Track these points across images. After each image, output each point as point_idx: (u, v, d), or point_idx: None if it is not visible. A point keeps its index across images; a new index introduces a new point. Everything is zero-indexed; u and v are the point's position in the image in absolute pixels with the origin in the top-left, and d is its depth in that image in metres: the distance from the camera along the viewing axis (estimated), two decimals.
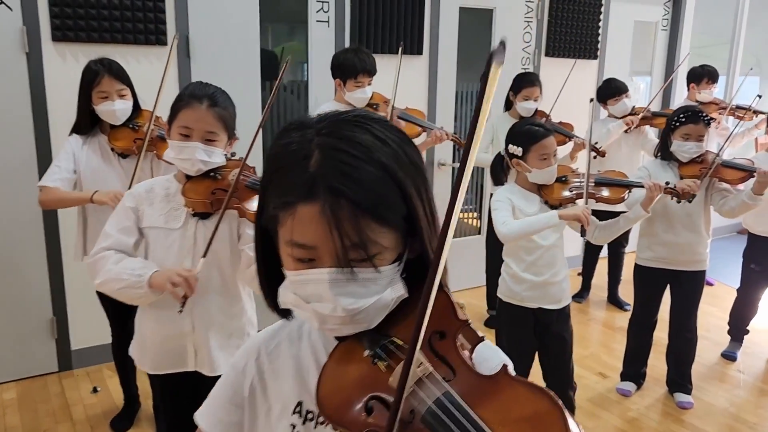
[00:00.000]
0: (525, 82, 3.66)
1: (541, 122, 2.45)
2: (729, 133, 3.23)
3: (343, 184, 0.69)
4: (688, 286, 3.05)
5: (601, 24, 4.81)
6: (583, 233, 2.33)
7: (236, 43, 3.43)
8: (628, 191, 2.44)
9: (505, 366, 0.68)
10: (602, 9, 4.77)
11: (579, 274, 4.64)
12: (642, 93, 5.55)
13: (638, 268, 3.12)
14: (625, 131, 4.02)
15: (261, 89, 3.58)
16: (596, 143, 3.68)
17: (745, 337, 3.72)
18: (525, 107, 3.66)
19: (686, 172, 2.92)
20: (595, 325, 4.18)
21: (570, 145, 3.69)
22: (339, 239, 0.70)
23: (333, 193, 0.69)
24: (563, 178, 2.45)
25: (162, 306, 1.76)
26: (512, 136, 2.43)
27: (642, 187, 2.48)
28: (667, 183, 2.50)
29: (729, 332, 3.74)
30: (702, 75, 4.57)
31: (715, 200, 2.93)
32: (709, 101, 4.60)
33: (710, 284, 4.88)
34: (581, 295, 4.57)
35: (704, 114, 2.88)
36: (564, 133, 3.66)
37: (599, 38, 4.82)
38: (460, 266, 4.50)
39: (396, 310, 0.77)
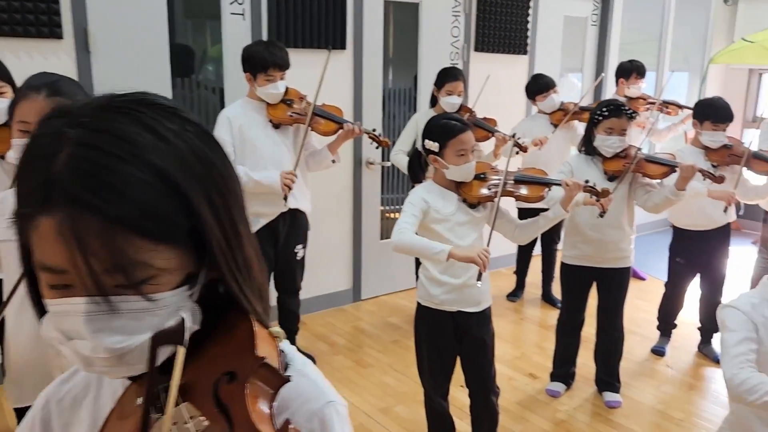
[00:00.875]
0: (448, 77, 3.56)
1: (458, 116, 2.33)
2: (649, 128, 3.19)
3: (88, 192, 0.54)
4: (614, 283, 3.01)
5: (530, 19, 4.76)
6: (479, 277, 2.19)
7: (143, 37, 3.21)
8: (547, 189, 2.35)
9: (287, 421, 0.54)
10: (531, 4, 4.73)
11: (515, 272, 4.59)
12: (578, 90, 5.55)
13: (564, 267, 3.05)
14: (555, 125, 3.98)
15: (172, 87, 3.37)
16: (519, 138, 3.60)
17: (674, 331, 3.72)
18: (449, 102, 3.56)
19: (610, 167, 2.87)
20: (528, 324, 4.12)
21: (495, 141, 3.60)
22: (84, 262, 0.54)
23: (74, 203, 0.54)
24: (482, 176, 2.34)
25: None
26: (428, 132, 2.31)
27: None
28: (587, 181, 2.43)
29: (658, 327, 3.74)
30: (630, 70, 4.57)
31: (638, 195, 2.89)
32: (637, 96, 4.61)
33: (642, 279, 4.91)
34: (515, 293, 4.52)
35: (627, 107, 2.83)
36: (486, 128, 3.57)
37: (528, 33, 4.77)
38: (393, 268, 4.38)
39: (194, 342, 0.62)
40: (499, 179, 2.33)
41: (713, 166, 3.33)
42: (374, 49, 4.03)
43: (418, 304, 2.40)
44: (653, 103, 4.55)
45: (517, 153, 3.60)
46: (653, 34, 5.98)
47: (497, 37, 4.59)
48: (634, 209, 2.95)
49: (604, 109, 2.82)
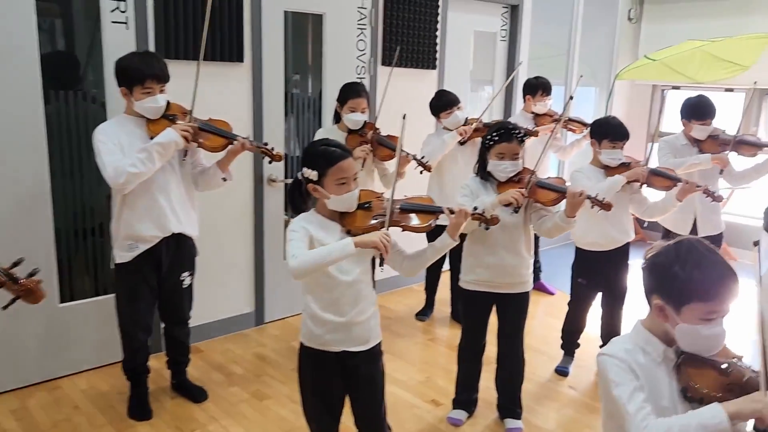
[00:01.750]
0: (350, 93, 3.43)
1: (338, 142, 2.19)
2: (542, 151, 3.14)
3: None
4: (513, 309, 2.95)
5: (438, 33, 4.70)
6: (381, 263, 2.09)
7: (4, 45, 2.90)
8: (435, 218, 2.25)
9: None
10: (439, 18, 4.67)
11: (425, 289, 4.51)
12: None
13: (462, 292, 2.97)
14: (460, 143, 3.91)
15: (45, 100, 3.07)
16: (422, 157, 3.52)
17: (577, 350, 3.73)
18: (351, 119, 3.43)
19: (504, 192, 2.80)
20: (437, 345, 4.04)
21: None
22: None
23: None
24: (366, 205, 2.21)
25: None
26: (306, 158, 2.15)
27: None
28: (475, 208, 2.34)
29: (562, 346, 3.73)
30: (536, 87, 4.59)
31: (533, 220, 2.84)
32: (543, 113, 4.64)
33: (551, 293, 4.94)
34: (424, 312, 4.44)
35: (518, 131, 2.78)
36: (390, 146, 3.47)
37: (437, 48, 4.71)
38: (299, 287, 4.20)
39: None
40: (385, 208, 2.20)
41: None
42: (274, 61, 3.85)
43: (301, 344, 2.24)
44: (558, 120, 4.58)
45: (421, 173, 3.51)
46: (562, 49, 6.07)
47: (405, 51, 4.50)
48: (531, 234, 2.90)
49: (495, 134, 2.76)
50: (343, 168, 2.10)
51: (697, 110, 3.78)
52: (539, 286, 5.00)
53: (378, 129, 3.53)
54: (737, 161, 3.91)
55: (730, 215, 6.01)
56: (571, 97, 3.70)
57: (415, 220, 2.22)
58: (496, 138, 2.77)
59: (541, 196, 2.77)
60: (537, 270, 5.03)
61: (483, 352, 3.07)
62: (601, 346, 3.63)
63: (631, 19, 6.54)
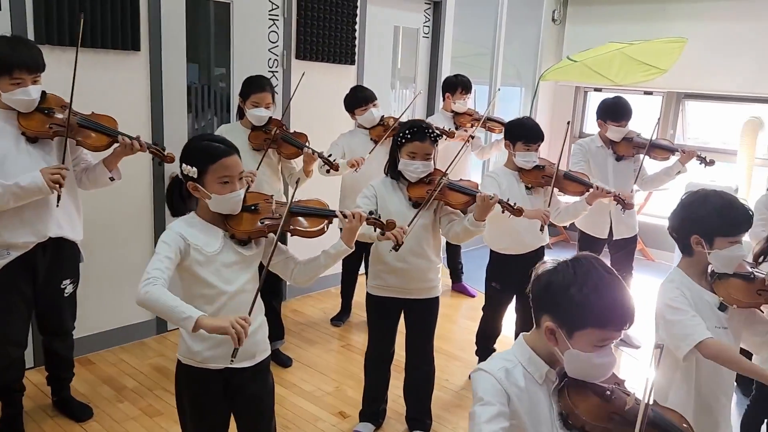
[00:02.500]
0: (253, 87, 3.22)
1: (222, 138, 1.99)
2: (457, 153, 3.03)
3: None
4: (422, 315, 2.82)
5: (357, 27, 4.53)
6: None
7: None
8: (327, 222, 2.07)
9: None
10: (358, 12, 4.50)
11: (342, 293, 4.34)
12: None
13: (369, 297, 2.82)
14: (375, 141, 3.76)
15: None
16: (329, 155, 3.34)
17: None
18: (255, 115, 3.22)
19: (413, 193, 2.66)
20: (350, 353, 3.86)
21: (304, 157, 3.31)
22: None
23: None
24: (253, 207, 2.01)
25: None
26: (186, 154, 1.94)
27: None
28: (371, 213, 2.19)
29: (476, 353, 3.63)
30: (456, 85, 4.50)
31: (443, 223, 2.71)
32: (463, 112, 4.55)
33: (472, 296, 4.86)
34: (340, 317, 4.26)
35: (431, 130, 2.64)
36: (295, 144, 3.27)
37: (356, 42, 4.54)
38: None
39: None
40: (274, 211, 2.01)
41: (527, 188, 3.26)
42: (174, 50, 3.59)
43: (178, 361, 2.03)
44: (478, 120, 4.51)
45: (328, 172, 3.33)
46: (486, 48, 6.02)
47: (321, 45, 4.31)
48: (440, 237, 2.77)
49: (407, 132, 2.62)
50: (226, 165, 1.90)
51: (613, 111, 3.76)
52: (460, 288, 4.92)
53: (284, 125, 3.33)
54: (651, 164, 3.92)
55: (649, 216, 6.12)
56: (499, 89, 3.60)
57: (305, 224, 2.04)
58: (408, 136, 2.62)
59: (452, 199, 2.64)
60: (458, 271, 4.95)
61: (391, 360, 2.92)
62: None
63: (555, 20, 6.56)
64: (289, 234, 2.05)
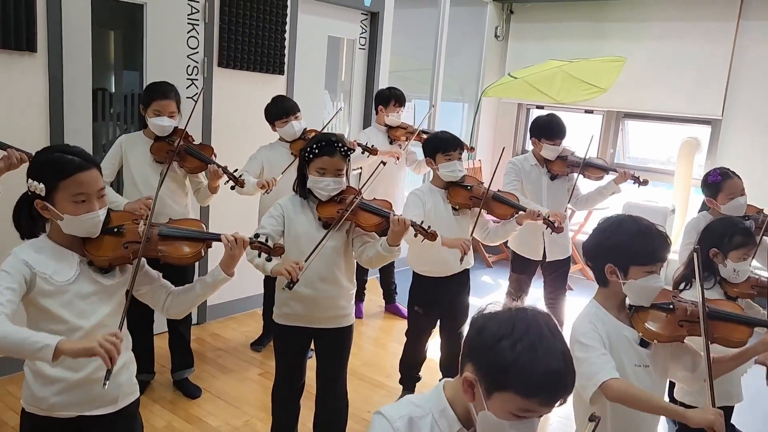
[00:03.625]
0: (155, 93, 2.96)
1: (80, 149, 1.74)
2: (373, 171, 2.83)
3: None
4: (333, 346, 2.59)
5: (287, 36, 4.32)
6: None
7: None
8: (205, 245, 1.84)
9: None
10: (288, 19, 4.29)
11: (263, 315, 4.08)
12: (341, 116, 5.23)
13: (275, 327, 2.58)
14: (296, 156, 3.53)
15: None
16: (235, 170, 3.11)
17: (418, 384, 3.43)
18: (157, 125, 2.96)
19: (324, 212, 2.45)
20: (268, 382, 3.49)
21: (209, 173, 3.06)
22: None
23: None
24: (116, 229, 1.76)
25: None
26: (33, 167, 1.68)
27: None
28: (256, 236, 1.96)
29: (401, 381, 3.42)
30: (389, 98, 4.33)
31: (355, 246, 2.50)
32: (397, 125, 4.38)
33: (404, 317, 4.66)
34: (261, 342, 4.00)
35: (342, 145, 2.44)
36: (200, 157, 3.02)
37: (285, 51, 4.32)
38: None
39: None
40: (142, 233, 1.77)
41: (455, 209, 3.09)
42: (77, 53, 3.30)
43: (22, 410, 1.75)
44: (413, 133, 4.34)
45: (233, 188, 3.09)
46: (427, 63, 5.88)
47: (247, 53, 4.08)
48: (353, 261, 2.56)
49: (314, 146, 2.41)
50: (81, 181, 1.65)
51: (547, 129, 3.63)
52: (393, 309, 4.72)
53: (190, 137, 3.07)
54: (586, 184, 3.81)
55: (586, 236, 6.05)
56: (432, 108, 3.43)
57: (179, 249, 1.79)
58: (316, 151, 2.41)
59: (363, 220, 2.43)
60: (392, 291, 4.75)
61: (301, 394, 2.68)
62: (440, 379, 3.37)
63: (498, 36, 6.49)
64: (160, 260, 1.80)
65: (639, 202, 5.07)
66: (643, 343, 1.82)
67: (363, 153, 3.80)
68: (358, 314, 4.62)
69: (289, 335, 2.55)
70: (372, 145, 3.83)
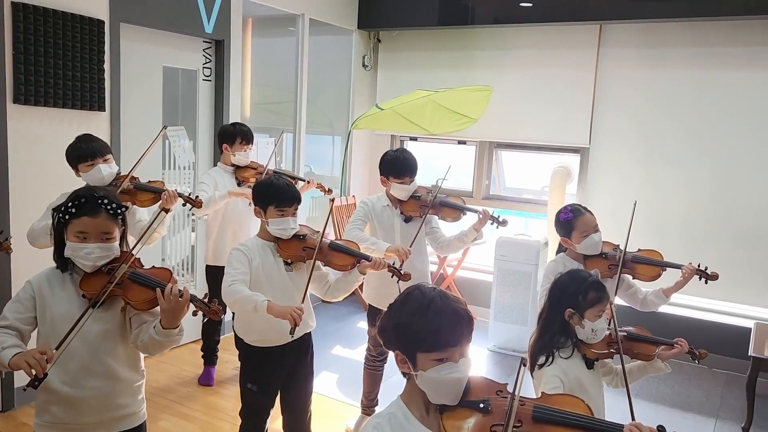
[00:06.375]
0: None
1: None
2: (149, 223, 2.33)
3: None
4: None
5: (107, 67, 3.74)
6: None
7: None
8: None
9: None
10: (106, 48, 3.72)
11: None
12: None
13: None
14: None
15: None
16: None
17: None
18: None
19: (87, 287, 1.91)
20: None
21: None
22: None
23: None
24: None
25: None
26: None
27: None
28: None
29: None
30: (234, 135, 3.86)
31: (132, 327, 1.97)
32: (245, 165, 3.91)
33: None
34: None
35: (108, 201, 1.92)
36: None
37: (106, 85, 3.74)
38: None
39: None
40: None
41: (286, 263, 2.64)
42: None
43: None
44: (261, 174, 3.87)
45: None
46: (290, 94, 5.46)
47: (52, 87, 3.47)
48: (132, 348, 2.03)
49: (70, 205, 1.89)
50: None
51: (393, 166, 3.28)
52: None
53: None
54: (445, 227, 3.49)
55: (467, 271, 5.79)
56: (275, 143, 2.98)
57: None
58: (73, 210, 1.89)
59: (132, 296, 1.91)
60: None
61: None
62: None
63: (366, 66, 6.18)
64: None
65: (512, 236, 4.84)
66: None
67: (185, 206, 3.26)
68: (208, 381, 4.05)
69: None
70: (196, 197, 3.28)
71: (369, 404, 3.57)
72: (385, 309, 3.03)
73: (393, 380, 3.62)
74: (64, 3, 3.49)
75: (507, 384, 1.45)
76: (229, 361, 4.28)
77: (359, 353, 4.55)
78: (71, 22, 3.51)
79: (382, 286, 3.23)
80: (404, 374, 1.45)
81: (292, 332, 2.41)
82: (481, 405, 1.37)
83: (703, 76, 4.79)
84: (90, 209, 1.88)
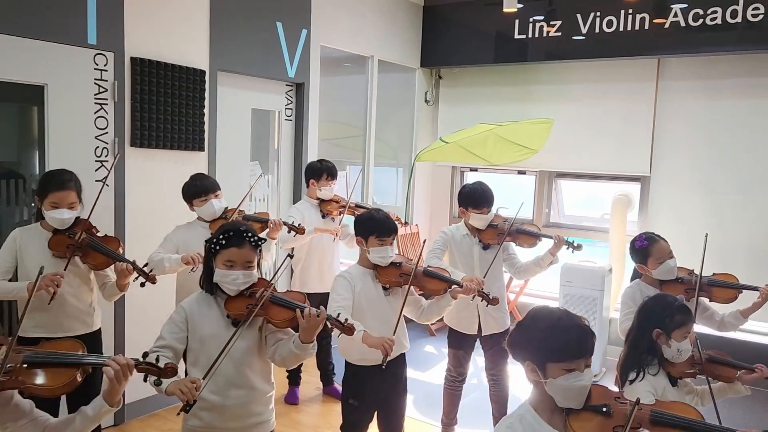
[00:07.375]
0: (53, 184, 2.72)
1: None
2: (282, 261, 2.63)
3: None
4: None
5: (207, 111, 4.15)
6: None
7: None
8: (79, 372, 1.59)
9: None
10: (206, 95, 4.13)
11: None
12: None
13: None
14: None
15: None
16: (145, 265, 2.85)
17: None
18: (55, 218, 2.71)
19: (232, 308, 2.22)
20: None
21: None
22: None
23: None
24: None
25: None
26: None
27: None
28: (146, 355, 1.74)
29: None
30: (321, 171, 4.19)
31: (268, 344, 2.27)
32: (329, 199, 4.23)
33: None
34: None
35: (251, 235, 2.25)
36: (106, 252, 2.75)
37: (205, 128, 4.14)
38: None
39: None
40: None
41: (385, 288, 2.91)
42: None
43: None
44: (345, 207, 4.19)
45: (143, 285, 2.82)
46: (359, 129, 5.81)
47: (162, 131, 3.87)
48: (268, 361, 2.32)
49: (221, 237, 2.21)
50: None
51: (473, 198, 3.54)
52: (331, 391, 4.44)
53: (94, 228, 2.82)
54: (521, 252, 3.72)
55: (531, 297, 5.97)
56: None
57: (40, 378, 1.54)
58: (223, 242, 2.21)
59: (273, 315, 2.22)
60: (329, 372, 4.48)
61: None
62: None
63: (428, 101, 6.51)
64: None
65: (577, 263, 5.02)
66: None
67: (290, 233, 3.61)
68: (293, 400, 4.34)
69: None
70: (299, 224, 3.64)
71: (449, 423, 3.78)
72: (464, 330, 3.31)
73: (469, 399, 3.83)
74: (173, 56, 3.91)
75: (623, 392, 1.68)
76: (309, 382, 4.56)
77: (430, 375, 4.78)
78: (179, 73, 3.92)
79: (463, 310, 3.48)
80: (533, 384, 1.68)
81: (383, 362, 2.59)
82: (604, 409, 1.61)
83: (760, 105, 4.92)
84: (237, 241, 2.20)
